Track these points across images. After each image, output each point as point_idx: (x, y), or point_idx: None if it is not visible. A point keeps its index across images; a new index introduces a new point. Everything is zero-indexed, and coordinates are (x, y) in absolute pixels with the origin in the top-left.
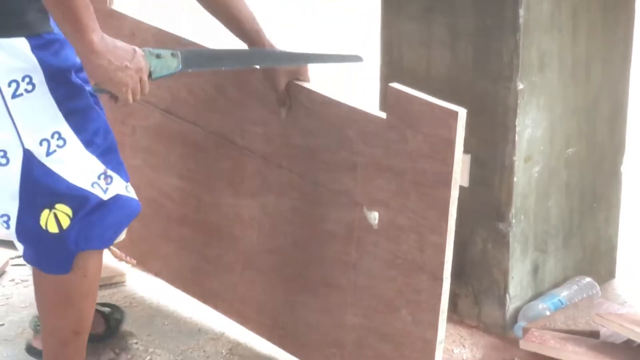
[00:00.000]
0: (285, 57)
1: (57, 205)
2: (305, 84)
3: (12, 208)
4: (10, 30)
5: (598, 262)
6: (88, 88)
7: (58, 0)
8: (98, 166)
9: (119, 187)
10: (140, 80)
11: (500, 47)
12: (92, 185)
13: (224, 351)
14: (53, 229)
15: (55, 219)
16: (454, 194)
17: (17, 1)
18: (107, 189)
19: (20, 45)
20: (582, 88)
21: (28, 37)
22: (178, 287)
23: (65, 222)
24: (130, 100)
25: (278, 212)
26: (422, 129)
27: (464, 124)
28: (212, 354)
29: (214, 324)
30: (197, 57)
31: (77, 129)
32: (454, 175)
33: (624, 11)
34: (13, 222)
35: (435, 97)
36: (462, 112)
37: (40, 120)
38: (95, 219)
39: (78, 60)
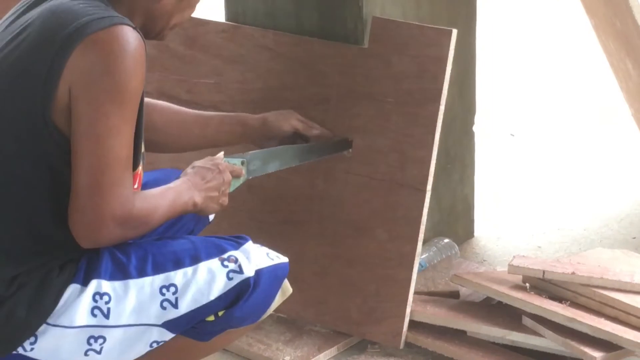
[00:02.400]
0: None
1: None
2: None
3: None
4: None
5: (456, 222)
6: None
7: (147, 225)
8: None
9: (249, 262)
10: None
11: (344, 14)
12: (229, 278)
13: None
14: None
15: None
16: (442, 109)
17: None
18: (240, 268)
19: None
20: None
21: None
22: None
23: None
24: None
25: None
26: (410, 52)
27: (455, 42)
28: None
29: None
30: (257, 162)
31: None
32: (443, 91)
33: None
34: None
35: None
36: (454, 32)
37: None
38: (245, 302)
39: None
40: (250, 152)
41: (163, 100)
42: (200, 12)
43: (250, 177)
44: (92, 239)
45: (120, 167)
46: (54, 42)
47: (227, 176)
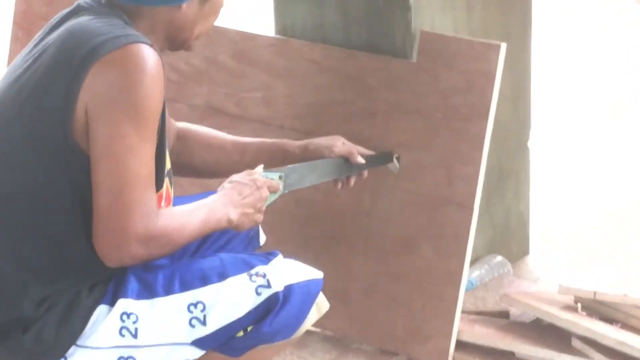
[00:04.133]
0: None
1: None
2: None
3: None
4: None
5: (510, 240)
6: None
7: (174, 243)
8: (245, 285)
9: (278, 277)
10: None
11: (393, 28)
12: (257, 293)
13: None
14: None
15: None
16: (490, 125)
17: None
18: (269, 283)
19: None
20: None
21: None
22: None
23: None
24: None
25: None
26: (458, 66)
27: (504, 57)
28: None
29: None
30: (294, 175)
31: (191, 285)
32: (491, 106)
33: None
34: None
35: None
36: (503, 46)
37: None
38: (274, 317)
39: None
40: (289, 165)
41: (211, 113)
42: (249, 25)
43: (287, 192)
44: (116, 259)
45: (141, 186)
46: (71, 62)
47: (265, 192)
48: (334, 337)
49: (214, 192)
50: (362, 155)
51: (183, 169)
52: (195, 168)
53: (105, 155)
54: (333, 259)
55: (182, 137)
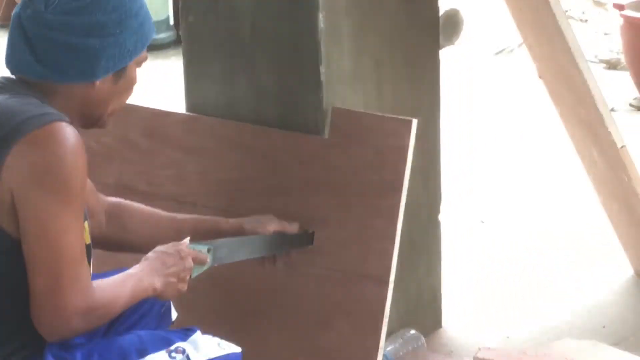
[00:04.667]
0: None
1: None
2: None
3: None
4: None
5: (423, 313)
6: None
7: (110, 313)
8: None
9: (197, 353)
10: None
11: (305, 105)
12: None
13: None
14: None
15: None
16: (403, 199)
17: None
18: (188, 358)
19: None
20: None
21: None
22: None
23: None
24: None
25: None
26: (370, 142)
27: (415, 133)
28: None
29: None
30: (223, 249)
31: None
32: (405, 180)
33: (429, 60)
34: None
35: None
36: (414, 122)
37: None
38: None
39: None
40: (219, 240)
41: (123, 191)
42: (160, 103)
43: (216, 265)
44: (57, 334)
45: (76, 262)
46: None
47: (189, 263)
48: None
49: (126, 268)
50: (285, 235)
51: (118, 244)
52: (130, 244)
53: (39, 237)
54: (250, 335)
55: (115, 214)
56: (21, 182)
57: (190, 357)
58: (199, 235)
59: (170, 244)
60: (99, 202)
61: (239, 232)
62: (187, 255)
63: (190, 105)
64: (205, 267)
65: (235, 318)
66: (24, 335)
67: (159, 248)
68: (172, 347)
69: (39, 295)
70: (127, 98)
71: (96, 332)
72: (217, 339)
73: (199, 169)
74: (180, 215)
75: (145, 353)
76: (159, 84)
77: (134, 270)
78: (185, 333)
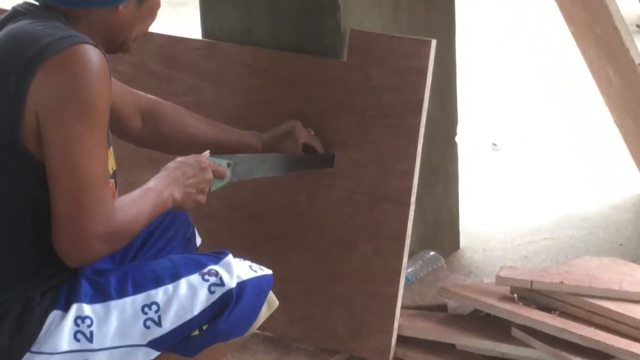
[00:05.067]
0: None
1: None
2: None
3: None
4: None
5: (441, 235)
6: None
7: (132, 233)
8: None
9: (230, 274)
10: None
11: (322, 28)
12: (211, 292)
13: None
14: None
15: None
16: (423, 120)
17: None
18: (222, 281)
19: None
20: None
21: None
22: None
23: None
24: None
25: None
26: (390, 64)
27: (434, 53)
28: None
29: None
30: (243, 165)
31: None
32: (424, 102)
33: None
34: None
35: None
36: (433, 42)
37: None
38: (229, 314)
39: None
40: (239, 155)
41: None
42: (176, 29)
43: (235, 180)
44: (80, 260)
45: (99, 186)
46: (15, 68)
47: (209, 174)
48: (274, 338)
49: None
50: (306, 155)
51: (154, 147)
52: (167, 149)
53: (62, 160)
54: (271, 260)
55: (151, 118)
56: (45, 105)
57: (223, 279)
58: (233, 146)
59: (191, 155)
60: (135, 104)
61: (270, 146)
62: (207, 167)
63: (206, 32)
64: (224, 182)
65: (257, 242)
66: (58, 262)
67: (179, 158)
68: (205, 270)
69: (60, 219)
70: (151, 23)
71: (124, 258)
72: (248, 262)
73: (217, 95)
74: (216, 127)
75: (179, 276)
76: (175, 10)
77: (153, 182)
78: (217, 256)
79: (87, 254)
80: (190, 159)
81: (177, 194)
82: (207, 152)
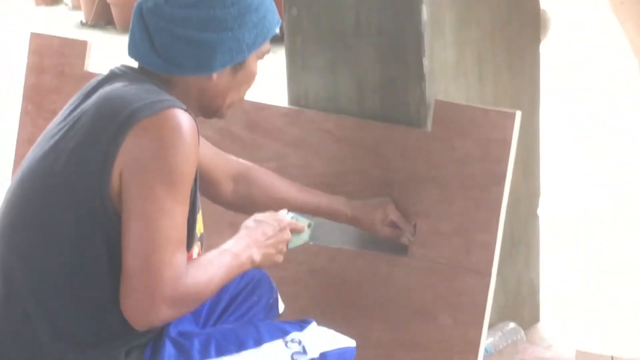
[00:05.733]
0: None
1: None
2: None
3: None
4: None
5: (521, 307)
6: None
7: (201, 299)
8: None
9: (313, 344)
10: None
11: (407, 98)
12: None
13: None
14: None
15: None
16: (506, 192)
17: None
18: (304, 349)
19: None
20: None
21: None
22: None
23: None
24: None
25: None
26: (474, 135)
27: (519, 125)
28: None
29: None
30: (322, 230)
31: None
32: (508, 173)
33: (529, 54)
34: None
35: None
36: (518, 114)
37: None
38: None
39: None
40: (320, 218)
41: None
42: (262, 96)
43: (311, 243)
44: (144, 322)
45: (171, 249)
46: (108, 129)
47: (287, 234)
48: None
49: None
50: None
51: (241, 207)
52: (254, 208)
53: (137, 217)
54: (350, 328)
55: (245, 179)
56: (130, 165)
57: (307, 348)
58: (321, 210)
59: (269, 213)
60: (228, 168)
61: (356, 217)
62: (287, 227)
63: (292, 98)
64: (302, 242)
65: (337, 310)
66: None
67: (258, 216)
68: (288, 338)
69: (128, 278)
70: (246, 90)
71: (208, 320)
72: (332, 332)
73: (301, 162)
74: (305, 193)
75: (262, 342)
76: (260, 77)
77: (231, 243)
78: (301, 324)
79: (152, 316)
80: (270, 217)
81: (256, 255)
82: (284, 211)
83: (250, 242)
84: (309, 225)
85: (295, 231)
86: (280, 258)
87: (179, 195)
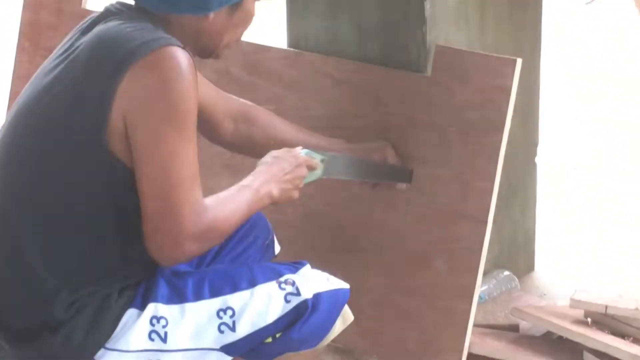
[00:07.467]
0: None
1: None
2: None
3: None
4: None
5: (516, 255)
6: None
7: (224, 232)
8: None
9: (307, 285)
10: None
11: (407, 42)
12: (286, 300)
13: None
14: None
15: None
16: (505, 139)
17: None
18: (298, 290)
19: None
20: None
21: None
22: None
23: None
24: None
25: None
26: (473, 81)
27: (519, 72)
28: None
29: None
30: (334, 164)
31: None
32: (507, 121)
33: (532, 2)
34: None
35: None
36: (519, 61)
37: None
38: (303, 324)
39: None
40: (331, 153)
41: None
42: (262, 38)
43: (325, 177)
44: (171, 258)
45: (187, 186)
46: (104, 69)
47: (304, 170)
48: (344, 349)
49: None
50: (390, 166)
51: (245, 152)
52: (253, 149)
53: (150, 162)
54: (344, 271)
55: (245, 119)
56: (133, 107)
57: (300, 289)
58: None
59: (284, 149)
60: (228, 107)
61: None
62: (303, 163)
63: (291, 41)
64: (316, 177)
65: (332, 255)
66: (137, 264)
67: (274, 153)
68: (282, 279)
69: (149, 220)
70: (242, 32)
71: (202, 261)
72: (326, 274)
73: (299, 104)
74: (306, 135)
75: (255, 282)
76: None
77: (250, 179)
78: (294, 266)
79: (178, 253)
80: (286, 154)
81: (275, 190)
82: (299, 147)
83: (268, 177)
84: (322, 161)
85: (310, 167)
86: (296, 194)
87: (185, 133)
